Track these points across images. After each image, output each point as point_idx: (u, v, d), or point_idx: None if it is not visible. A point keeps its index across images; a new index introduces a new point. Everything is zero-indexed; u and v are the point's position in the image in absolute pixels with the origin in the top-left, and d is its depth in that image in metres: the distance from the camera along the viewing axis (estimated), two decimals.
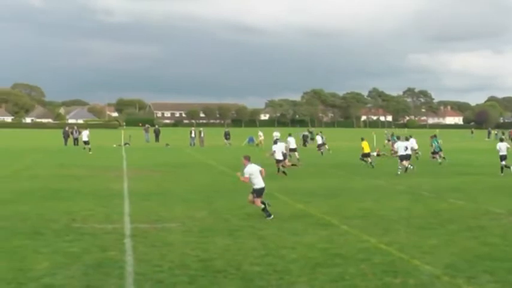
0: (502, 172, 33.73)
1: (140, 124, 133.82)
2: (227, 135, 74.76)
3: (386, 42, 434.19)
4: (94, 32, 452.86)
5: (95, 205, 20.76)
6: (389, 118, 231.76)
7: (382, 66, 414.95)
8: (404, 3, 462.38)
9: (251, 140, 75.81)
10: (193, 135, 72.38)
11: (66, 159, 45.28)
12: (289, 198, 23.14)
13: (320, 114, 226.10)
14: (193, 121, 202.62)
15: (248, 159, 19.61)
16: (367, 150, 40.12)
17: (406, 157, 34.87)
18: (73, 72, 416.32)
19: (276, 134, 62.64)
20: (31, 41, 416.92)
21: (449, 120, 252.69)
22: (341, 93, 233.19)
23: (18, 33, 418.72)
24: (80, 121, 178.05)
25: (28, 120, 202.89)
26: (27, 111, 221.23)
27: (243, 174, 19.08)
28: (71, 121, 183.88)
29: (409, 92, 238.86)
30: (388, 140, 68.36)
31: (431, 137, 45.47)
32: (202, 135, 71.87)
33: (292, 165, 36.29)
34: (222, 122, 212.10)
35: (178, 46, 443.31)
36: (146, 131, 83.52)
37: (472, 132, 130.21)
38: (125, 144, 69.33)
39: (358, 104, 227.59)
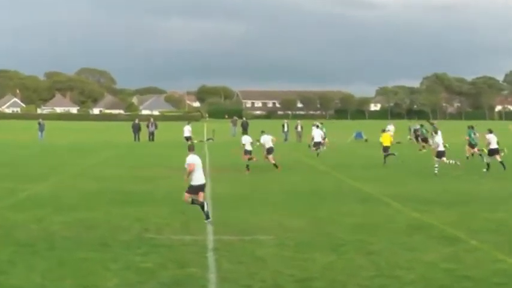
0: None
1: (226, 116, 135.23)
2: None
3: None
4: (171, 9, 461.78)
5: (171, 212, 21.04)
6: None
7: None
8: None
9: (359, 135, 75.18)
10: (285, 129, 72.45)
11: (139, 157, 46.15)
12: (404, 206, 22.81)
13: (443, 104, 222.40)
14: (289, 112, 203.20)
15: (192, 149, 20.19)
16: (386, 143, 41.49)
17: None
18: (148, 56, 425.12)
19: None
20: (99, 20, 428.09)
21: None
22: (470, 77, 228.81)
23: (83, 10, 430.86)
24: (155, 112, 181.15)
25: (96, 111, 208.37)
26: (95, 101, 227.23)
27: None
28: (144, 112, 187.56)
29: None
30: (417, 137, 65.65)
31: (469, 128, 44.92)
32: (299, 128, 71.84)
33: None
34: (324, 113, 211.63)
35: (271, 23, 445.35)
36: (233, 123, 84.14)
37: None
38: (208, 139, 70.13)
39: (491, 90, 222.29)
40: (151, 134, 68.80)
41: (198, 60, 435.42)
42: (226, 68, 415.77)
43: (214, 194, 25.86)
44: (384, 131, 43.92)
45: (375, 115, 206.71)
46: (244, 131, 77.75)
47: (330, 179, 31.82)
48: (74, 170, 35.43)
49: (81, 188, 27.28)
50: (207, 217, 19.24)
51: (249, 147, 36.95)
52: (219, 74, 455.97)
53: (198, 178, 19.79)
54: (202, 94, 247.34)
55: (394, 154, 41.52)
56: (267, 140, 37.54)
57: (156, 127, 69.85)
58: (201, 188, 19.84)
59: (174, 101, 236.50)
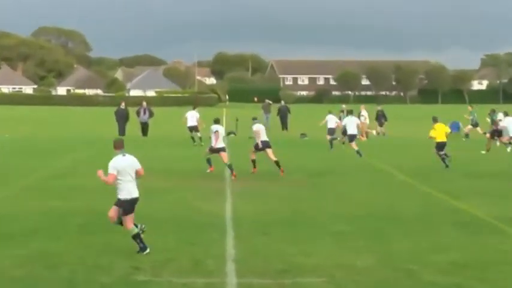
0: None
1: (256, 99, 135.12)
2: (381, 118, 74.00)
3: None
4: None
5: (174, 242, 21.06)
6: None
7: None
8: None
9: (455, 127, 74.78)
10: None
11: None
12: None
13: None
14: (349, 92, 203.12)
15: (119, 146, 19.77)
16: (442, 137, 41.48)
17: None
18: (137, 10, 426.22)
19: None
20: None
21: None
22: None
23: None
24: (150, 93, 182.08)
25: (62, 90, 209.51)
26: (60, 76, 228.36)
27: (106, 172, 19.43)
28: (134, 93, 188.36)
29: None
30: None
31: None
32: (363, 118, 71.55)
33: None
34: (402, 94, 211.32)
35: None
36: (266, 110, 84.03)
37: None
38: (229, 133, 70.21)
39: None
40: (144, 124, 68.89)
41: (213, 16, 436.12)
42: (255, 27, 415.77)
43: (237, 214, 25.91)
44: (435, 120, 42.75)
45: (479, 96, 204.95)
46: (282, 122, 78.21)
47: (412, 193, 31.68)
48: (30, 180, 35.52)
49: (40, 207, 27.35)
50: (143, 248, 19.47)
51: (219, 144, 37.15)
52: (244, 36, 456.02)
53: (129, 189, 19.60)
54: (219, 66, 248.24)
55: (446, 155, 41.63)
56: (262, 130, 37.97)
57: (150, 115, 69.91)
58: (132, 203, 19.65)
59: (178, 76, 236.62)
